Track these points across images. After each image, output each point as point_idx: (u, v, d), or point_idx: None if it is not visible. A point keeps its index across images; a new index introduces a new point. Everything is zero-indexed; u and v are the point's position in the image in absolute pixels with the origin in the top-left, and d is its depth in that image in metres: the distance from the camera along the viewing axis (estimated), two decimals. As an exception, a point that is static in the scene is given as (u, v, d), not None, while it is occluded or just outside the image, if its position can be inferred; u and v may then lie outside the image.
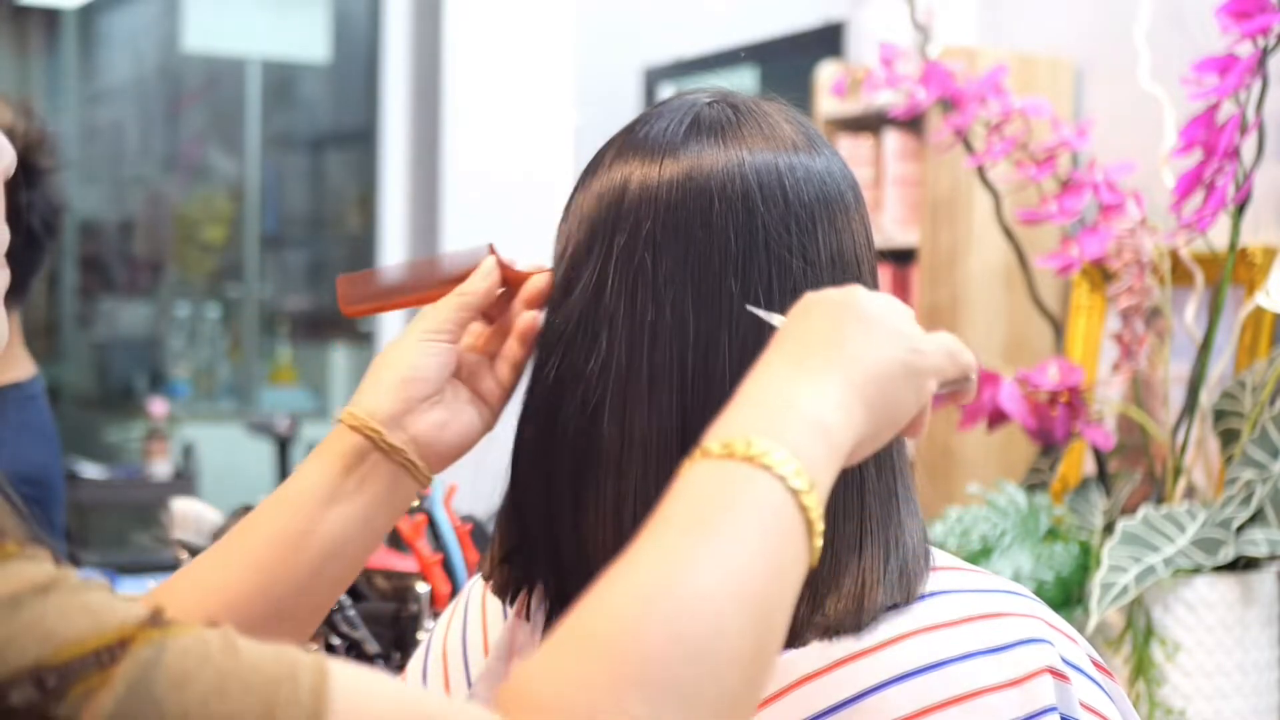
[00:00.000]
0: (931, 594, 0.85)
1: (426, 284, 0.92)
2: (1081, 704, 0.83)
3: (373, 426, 0.87)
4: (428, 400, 0.89)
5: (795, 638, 0.83)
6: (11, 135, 1.78)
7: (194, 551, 1.53)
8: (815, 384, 0.70)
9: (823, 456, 0.68)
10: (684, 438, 0.82)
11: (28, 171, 1.80)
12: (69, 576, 0.58)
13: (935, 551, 0.89)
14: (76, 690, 0.54)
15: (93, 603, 0.57)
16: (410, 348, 0.89)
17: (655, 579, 0.61)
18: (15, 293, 1.87)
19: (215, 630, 0.58)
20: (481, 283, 0.89)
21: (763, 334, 0.83)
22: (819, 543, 0.66)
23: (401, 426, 0.88)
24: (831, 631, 0.83)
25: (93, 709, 0.54)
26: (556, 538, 0.86)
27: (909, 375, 0.75)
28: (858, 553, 0.83)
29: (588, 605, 0.62)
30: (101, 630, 0.55)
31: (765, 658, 0.63)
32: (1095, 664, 0.87)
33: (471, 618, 0.99)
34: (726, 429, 0.68)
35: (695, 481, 0.66)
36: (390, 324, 4.41)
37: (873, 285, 0.88)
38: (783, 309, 0.82)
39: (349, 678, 0.59)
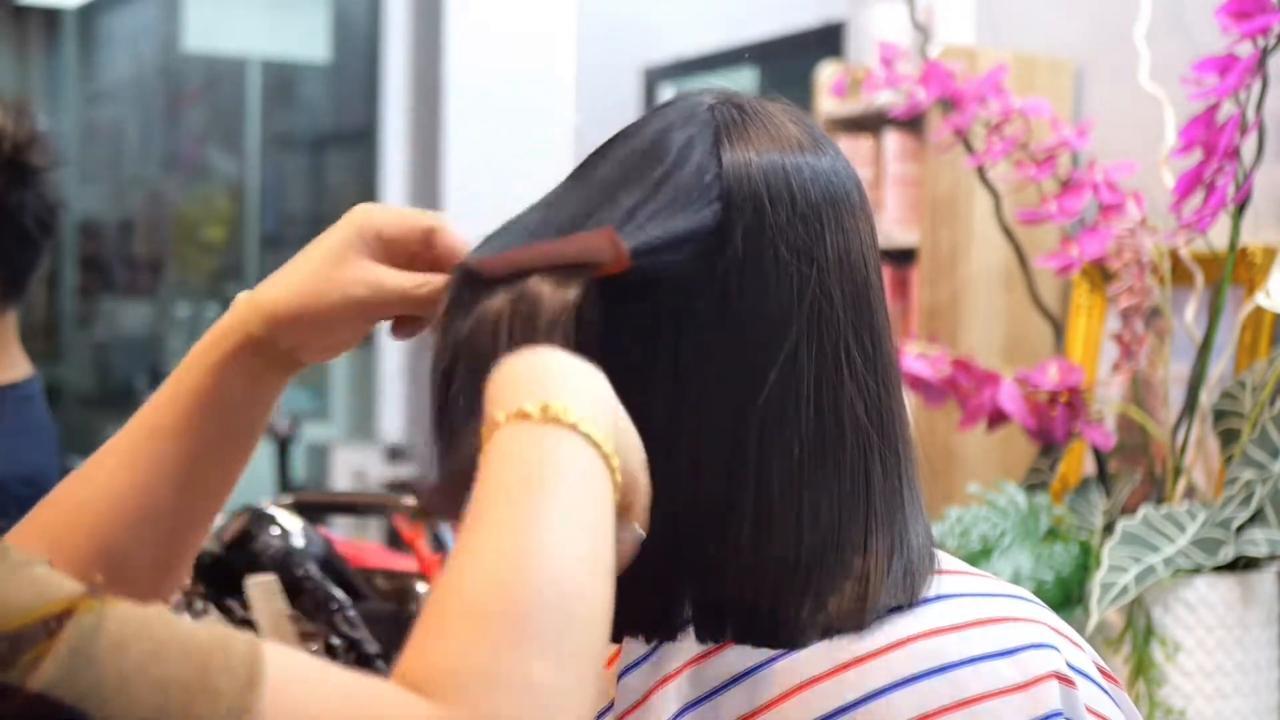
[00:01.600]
0: (937, 598, 0.85)
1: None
2: (1088, 709, 0.83)
3: (267, 342, 0.88)
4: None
5: (797, 638, 0.82)
6: (2, 135, 1.79)
7: (193, 552, 1.52)
8: (571, 386, 0.73)
9: (610, 430, 0.72)
10: (672, 431, 0.83)
11: (21, 171, 1.80)
12: (10, 550, 0.61)
13: (940, 554, 0.89)
14: (26, 658, 0.57)
15: (36, 575, 0.60)
16: (342, 312, 0.88)
17: (518, 546, 0.65)
18: (12, 292, 1.87)
19: (151, 606, 0.61)
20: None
21: (772, 333, 0.83)
22: (617, 498, 0.71)
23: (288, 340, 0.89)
24: (833, 631, 0.82)
25: (38, 675, 0.56)
26: None
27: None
28: (862, 552, 0.83)
29: (457, 577, 0.65)
30: (46, 600, 0.58)
31: (610, 610, 0.67)
32: (1102, 671, 0.86)
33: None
34: (529, 395, 0.70)
35: (522, 446, 0.69)
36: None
37: (878, 283, 0.88)
38: (792, 311, 0.82)
39: (280, 651, 0.62)
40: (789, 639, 0.83)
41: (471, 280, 0.80)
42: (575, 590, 0.65)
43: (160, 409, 0.89)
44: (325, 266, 0.87)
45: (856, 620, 0.82)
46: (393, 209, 0.89)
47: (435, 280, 0.87)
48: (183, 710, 0.57)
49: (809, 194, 0.85)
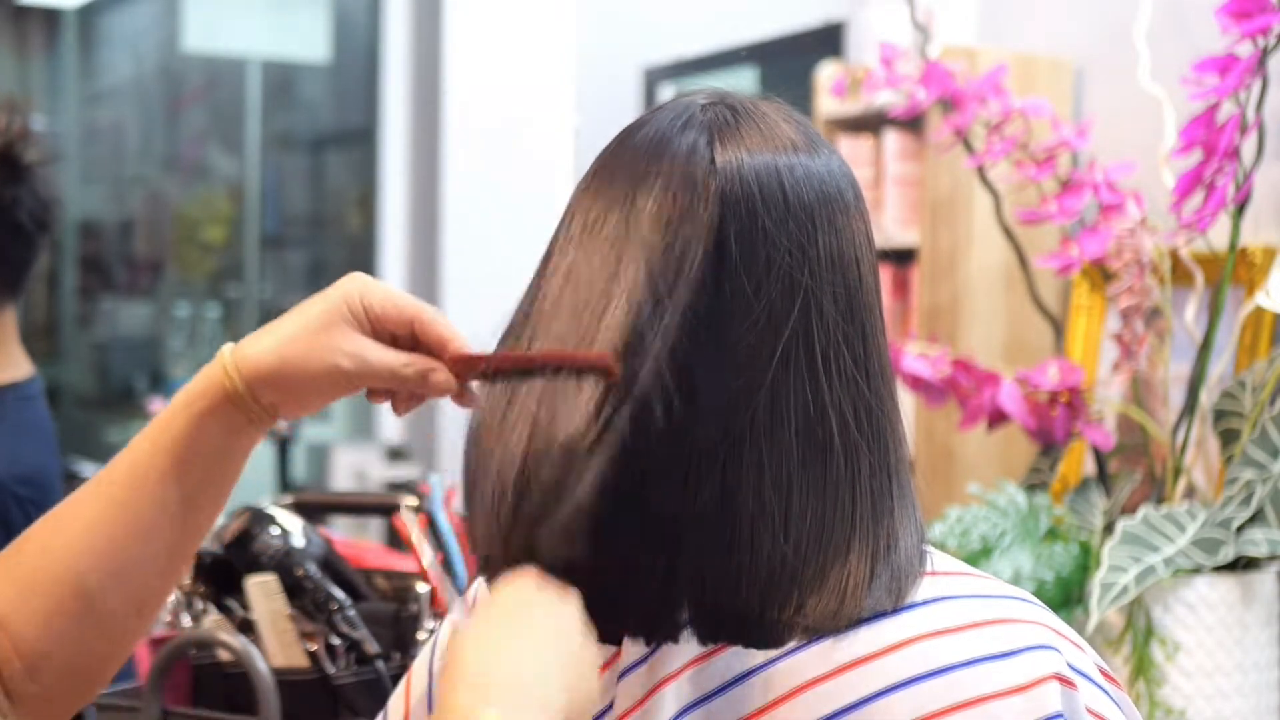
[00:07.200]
0: (937, 599, 0.85)
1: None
2: (1088, 709, 0.83)
3: (248, 398, 0.90)
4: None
5: (775, 639, 0.82)
6: None
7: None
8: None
9: None
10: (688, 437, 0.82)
11: (13, 166, 1.81)
12: None
13: (940, 555, 0.89)
14: None
15: None
16: (323, 379, 0.90)
17: None
18: (10, 289, 1.87)
19: None
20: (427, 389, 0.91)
21: (763, 334, 0.83)
22: None
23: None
24: (813, 633, 0.82)
25: None
26: None
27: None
28: (845, 554, 0.83)
29: None
30: None
31: None
32: (1103, 673, 0.86)
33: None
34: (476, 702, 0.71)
35: None
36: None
37: (873, 284, 0.88)
38: (783, 311, 0.82)
39: None
40: (770, 640, 0.83)
41: (482, 374, 0.84)
42: None
43: (139, 461, 0.91)
44: (312, 332, 0.89)
45: (836, 622, 0.82)
46: (384, 288, 0.91)
47: (420, 362, 0.90)
48: None
49: (801, 194, 0.85)
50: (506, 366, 0.82)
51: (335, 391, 0.90)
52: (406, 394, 0.93)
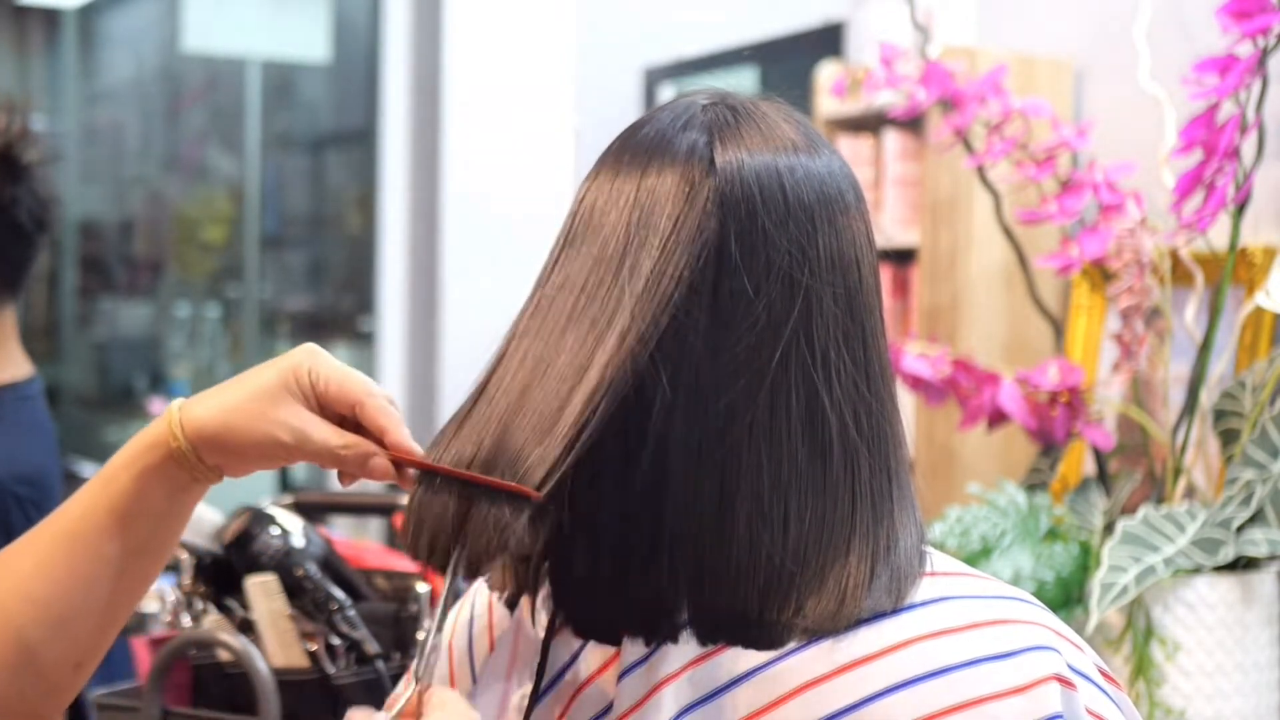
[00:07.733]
0: (937, 599, 0.85)
1: None
2: (1088, 710, 0.83)
3: (193, 458, 0.89)
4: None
5: (775, 640, 0.82)
6: None
7: (193, 552, 1.53)
8: None
9: None
10: (667, 433, 0.83)
11: (12, 166, 1.81)
12: None
13: (940, 556, 0.89)
14: None
15: None
16: (264, 447, 0.90)
17: None
18: (10, 288, 1.87)
19: None
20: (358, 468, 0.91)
21: (763, 335, 0.83)
22: None
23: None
24: (812, 633, 0.82)
25: None
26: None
27: None
28: (844, 555, 0.83)
29: None
30: None
31: None
32: (1103, 673, 0.86)
33: (479, 614, 0.99)
34: None
35: None
36: (391, 329, 4.42)
37: (874, 285, 0.87)
38: (783, 312, 0.82)
39: None
40: (769, 640, 0.83)
41: (424, 478, 0.84)
42: None
43: (82, 515, 0.91)
44: (257, 400, 0.89)
45: (836, 623, 0.82)
46: (334, 365, 0.91)
47: (361, 446, 0.89)
48: None
49: (802, 195, 0.84)
50: (439, 473, 0.83)
51: (275, 461, 0.91)
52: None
